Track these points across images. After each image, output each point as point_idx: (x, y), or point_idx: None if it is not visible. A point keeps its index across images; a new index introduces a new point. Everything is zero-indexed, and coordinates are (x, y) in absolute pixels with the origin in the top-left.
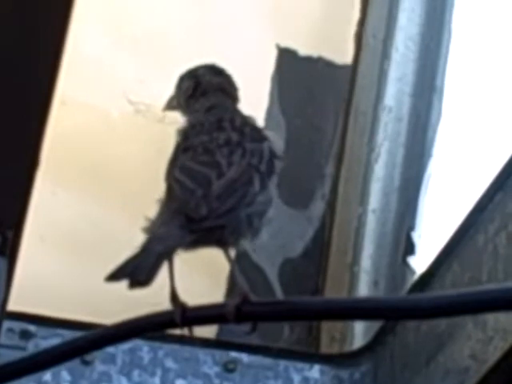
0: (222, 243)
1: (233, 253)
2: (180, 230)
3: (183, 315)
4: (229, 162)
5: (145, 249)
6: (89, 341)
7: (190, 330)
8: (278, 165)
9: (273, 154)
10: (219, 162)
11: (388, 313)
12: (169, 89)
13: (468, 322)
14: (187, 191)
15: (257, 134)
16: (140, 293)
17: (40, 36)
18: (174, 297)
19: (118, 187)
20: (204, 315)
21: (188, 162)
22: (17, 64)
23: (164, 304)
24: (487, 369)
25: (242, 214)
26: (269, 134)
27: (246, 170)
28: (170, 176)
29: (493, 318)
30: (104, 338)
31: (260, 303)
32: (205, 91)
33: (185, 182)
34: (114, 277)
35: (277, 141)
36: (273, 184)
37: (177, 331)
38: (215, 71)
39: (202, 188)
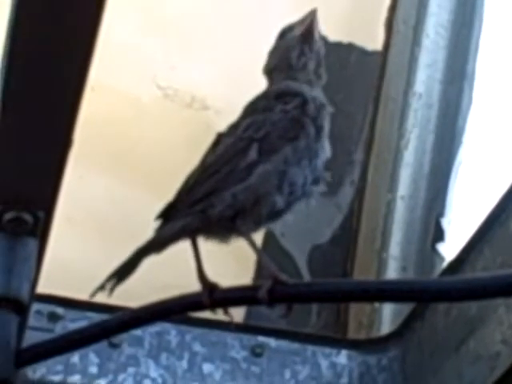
0: (227, 227)
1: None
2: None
3: (211, 296)
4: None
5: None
6: (116, 323)
7: (226, 312)
8: (306, 120)
9: (299, 112)
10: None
11: (421, 295)
12: (197, 74)
13: (500, 306)
14: None
15: (273, 102)
16: (169, 275)
17: (74, 21)
18: (201, 277)
19: (146, 171)
20: (234, 297)
21: None
22: (50, 49)
23: (193, 287)
24: None
25: (228, 194)
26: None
27: (230, 148)
28: None
29: None
30: (131, 320)
31: (293, 285)
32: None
33: None
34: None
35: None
36: (296, 144)
37: (204, 314)
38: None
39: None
